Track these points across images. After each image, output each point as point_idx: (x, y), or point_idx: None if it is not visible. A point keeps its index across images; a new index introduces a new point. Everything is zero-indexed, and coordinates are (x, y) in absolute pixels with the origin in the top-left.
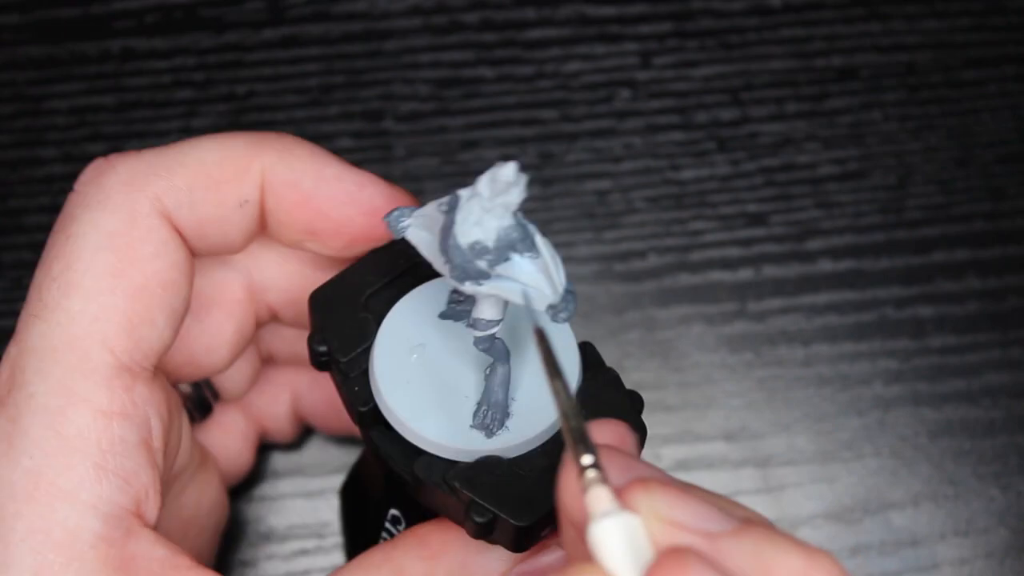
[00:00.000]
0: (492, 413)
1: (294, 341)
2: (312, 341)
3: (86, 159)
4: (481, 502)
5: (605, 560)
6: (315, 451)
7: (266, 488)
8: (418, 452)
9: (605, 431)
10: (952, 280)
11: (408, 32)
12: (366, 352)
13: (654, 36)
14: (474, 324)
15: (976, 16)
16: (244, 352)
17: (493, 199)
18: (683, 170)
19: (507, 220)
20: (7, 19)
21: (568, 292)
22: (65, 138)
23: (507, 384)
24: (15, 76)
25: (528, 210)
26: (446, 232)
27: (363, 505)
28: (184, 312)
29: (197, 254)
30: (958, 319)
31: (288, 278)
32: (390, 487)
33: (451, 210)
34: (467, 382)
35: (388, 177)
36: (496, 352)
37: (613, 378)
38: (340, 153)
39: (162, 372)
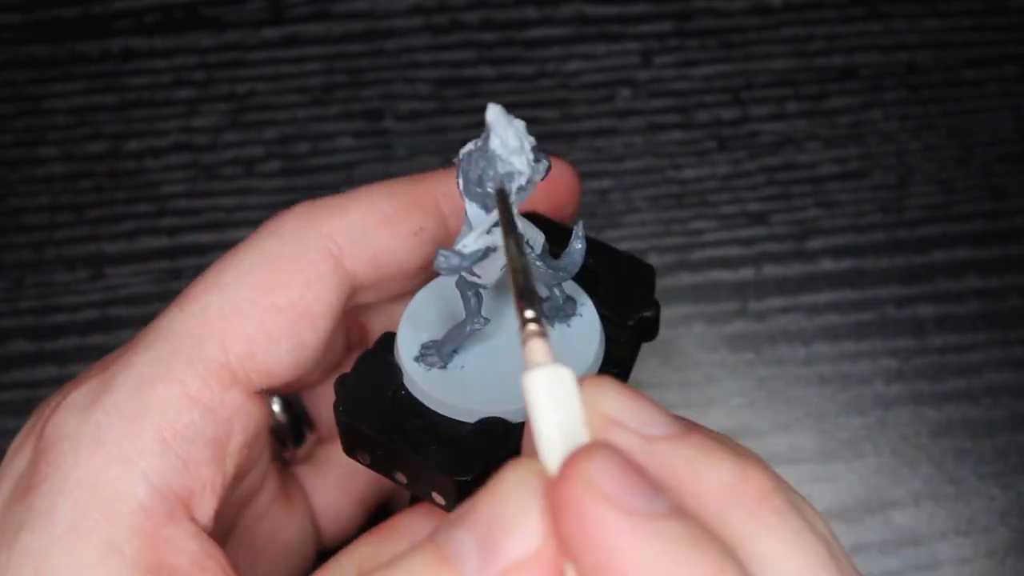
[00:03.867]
0: (433, 351)
1: None
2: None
3: (86, 158)
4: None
5: (531, 408)
6: None
7: None
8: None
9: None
10: (952, 279)
11: (409, 31)
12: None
13: (655, 35)
14: (460, 255)
15: (976, 16)
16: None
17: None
18: (684, 169)
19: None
20: (8, 18)
21: (533, 149)
22: (65, 137)
23: (459, 339)
24: (16, 75)
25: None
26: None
27: None
28: (317, 350)
29: (370, 287)
30: (959, 318)
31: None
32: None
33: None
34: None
35: (389, 177)
36: (469, 308)
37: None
38: (341, 153)
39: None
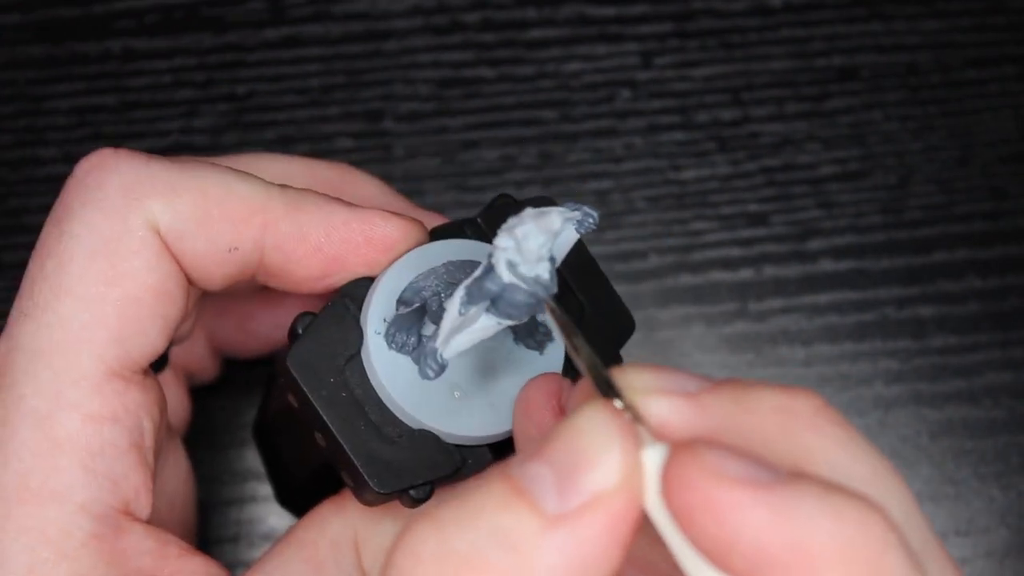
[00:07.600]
0: (405, 333)
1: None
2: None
3: None
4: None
5: (649, 479)
6: None
7: (266, 489)
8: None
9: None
10: (953, 280)
11: (408, 32)
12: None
13: (655, 36)
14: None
15: (976, 16)
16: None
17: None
18: (684, 170)
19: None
20: (8, 19)
21: (569, 211)
22: (66, 138)
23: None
24: (16, 76)
25: None
26: (516, 307)
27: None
28: (180, 318)
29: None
30: (959, 319)
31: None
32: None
33: (494, 300)
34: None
35: (388, 177)
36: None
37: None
38: (340, 154)
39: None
